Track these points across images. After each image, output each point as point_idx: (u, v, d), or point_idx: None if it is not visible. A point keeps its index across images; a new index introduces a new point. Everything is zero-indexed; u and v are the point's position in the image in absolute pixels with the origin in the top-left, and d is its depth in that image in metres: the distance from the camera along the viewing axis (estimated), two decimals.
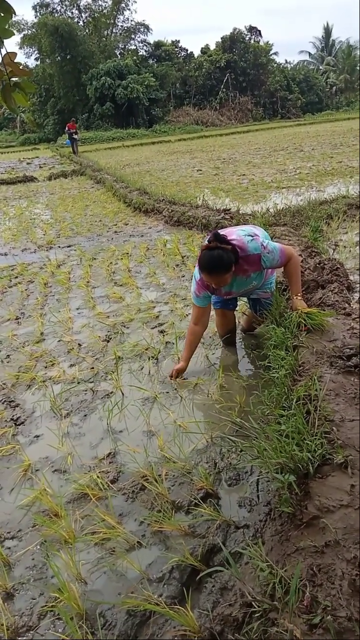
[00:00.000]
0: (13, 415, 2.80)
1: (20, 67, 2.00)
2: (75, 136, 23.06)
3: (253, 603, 1.38)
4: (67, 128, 22.88)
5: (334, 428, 1.86)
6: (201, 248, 2.67)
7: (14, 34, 1.98)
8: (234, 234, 2.75)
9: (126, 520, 1.96)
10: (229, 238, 2.68)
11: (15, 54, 2.02)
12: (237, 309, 3.35)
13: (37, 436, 2.61)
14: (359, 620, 1.20)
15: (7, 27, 1.86)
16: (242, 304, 3.71)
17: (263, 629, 1.30)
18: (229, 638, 1.39)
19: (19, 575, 1.78)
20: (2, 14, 1.77)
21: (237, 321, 3.45)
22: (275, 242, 3.05)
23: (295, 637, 1.19)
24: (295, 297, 2.91)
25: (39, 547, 1.88)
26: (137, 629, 1.51)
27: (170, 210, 7.74)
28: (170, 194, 8.81)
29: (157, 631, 1.49)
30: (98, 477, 2.16)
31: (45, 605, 1.63)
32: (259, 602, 1.37)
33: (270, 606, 1.33)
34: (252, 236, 2.73)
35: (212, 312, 3.22)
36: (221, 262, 2.58)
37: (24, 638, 1.55)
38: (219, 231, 2.71)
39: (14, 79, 2.00)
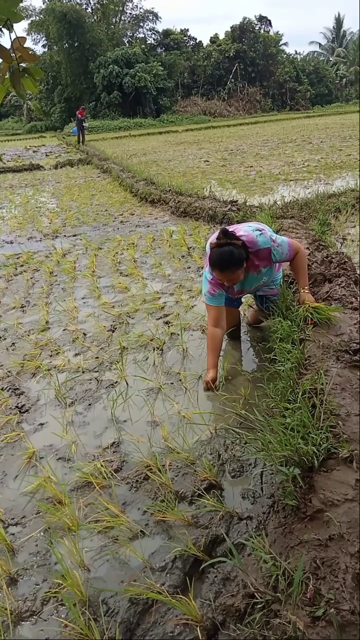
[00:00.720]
0: (18, 403, 2.81)
1: (30, 53, 1.98)
2: (84, 124, 22.82)
3: (255, 594, 1.39)
4: (77, 115, 22.52)
5: (339, 422, 1.86)
6: (210, 246, 2.62)
7: (23, 18, 1.96)
8: (242, 230, 2.71)
9: (129, 509, 1.97)
10: (237, 233, 2.65)
11: (24, 39, 2.00)
12: (241, 305, 3.34)
13: (41, 424, 2.62)
14: None
15: (16, 10, 1.83)
16: (248, 297, 3.70)
17: (265, 620, 1.30)
18: (231, 628, 1.39)
19: (22, 561, 1.79)
20: None
21: (243, 315, 3.44)
22: (282, 235, 3.03)
23: (298, 628, 1.19)
24: (302, 291, 2.90)
25: (42, 533, 1.90)
26: (140, 617, 1.52)
27: (176, 201, 7.70)
28: (176, 185, 8.76)
29: (159, 619, 1.50)
30: (102, 465, 2.17)
31: (49, 591, 1.65)
32: (262, 594, 1.37)
33: (273, 598, 1.34)
34: (260, 231, 2.70)
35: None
36: (233, 258, 2.53)
37: (28, 622, 1.56)
38: (226, 227, 2.68)
39: (22, 64, 1.98)
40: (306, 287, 2.92)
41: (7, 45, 1.88)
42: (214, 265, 2.60)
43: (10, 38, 1.89)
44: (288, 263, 2.97)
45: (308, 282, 3.00)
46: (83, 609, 1.53)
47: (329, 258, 3.70)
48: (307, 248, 4.16)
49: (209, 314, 2.92)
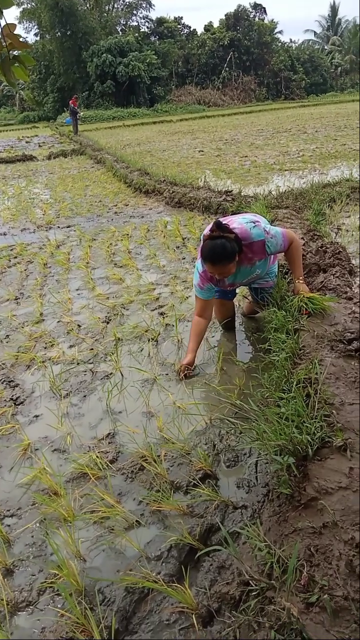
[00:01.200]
0: (12, 395, 2.80)
1: (20, 40, 1.95)
2: (79, 114, 22.52)
3: (250, 582, 1.40)
4: (70, 105, 22.18)
5: (333, 411, 1.86)
6: (203, 238, 2.60)
7: (13, 4, 1.92)
8: (235, 222, 2.69)
9: (125, 499, 1.97)
10: (231, 225, 2.63)
11: (14, 25, 1.96)
12: (235, 297, 3.33)
13: (36, 416, 2.62)
14: (355, 600, 1.22)
15: None
16: (243, 288, 3.69)
17: (260, 607, 1.32)
18: (226, 615, 1.41)
19: (18, 552, 1.80)
20: None
21: (237, 305, 3.43)
22: (276, 226, 3.02)
23: (292, 615, 1.20)
24: (297, 281, 2.89)
25: (38, 524, 1.90)
26: (136, 606, 1.53)
27: (171, 192, 7.66)
28: (171, 175, 8.71)
29: (155, 608, 1.52)
30: (97, 457, 2.17)
31: (45, 582, 1.65)
32: (257, 581, 1.38)
33: (268, 585, 1.35)
34: (254, 223, 2.68)
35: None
36: (225, 252, 2.51)
37: (24, 612, 1.57)
38: (220, 219, 2.67)
39: (13, 52, 1.94)
40: (301, 278, 2.91)
41: None
42: (206, 259, 2.58)
43: (0, 25, 1.86)
44: (283, 253, 2.96)
45: (303, 272, 3.00)
46: (79, 598, 1.54)
47: (324, 248, 3.70)
48: (302, 238, 4.15)
49: (196, 304, 2.97)
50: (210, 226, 2.58)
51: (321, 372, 2.09)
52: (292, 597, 1.27)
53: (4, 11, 1.84)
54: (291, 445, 1.72)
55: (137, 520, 1.84)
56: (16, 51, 1.96)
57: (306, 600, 1.25)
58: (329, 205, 5.85)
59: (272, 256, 2.95)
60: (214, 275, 2.68)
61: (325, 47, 52.91)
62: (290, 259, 2.92)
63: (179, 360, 2.93)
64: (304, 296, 2.73)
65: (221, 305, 3.22)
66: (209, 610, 1.45)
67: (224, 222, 2.60)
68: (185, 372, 2.77)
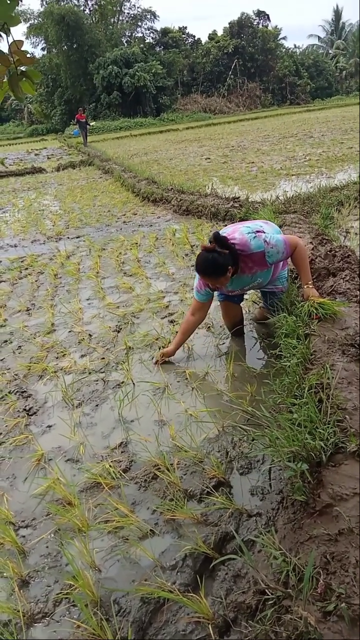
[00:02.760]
0: (25, 406, 2.82)
1: (27, 56, 1.99)
2: (90, 124, 22.69)
3: (266, 590, 1.39)
4: (75, 119, 22.37)
5: (346, 416, 1.85)
6: (201, 247, 2.67)
7: (20, 22, 1.96)
8: (237, 231, 2.74)
9: (139, 508, 1.97)
10: (231, 236, 2.68)
11: (22, 42, 2.00)
12: (243, 302, 3.33)
13: (49, 426, 2.63)
14: None
15: (13, 14, 1.84)
16: (253, 293, 3.69)
17: (277, 616, 1.30)
18: (242, 625, 1.39)
19: (33, 563, 1.80)
20: (9, 1, 1.75)
21: (247, 311, 3.43)
22: (285, 231, 3.02)
23: (310, 624, 1.19)
24: (306, 286, 2.88)
25: (53, 535, 1.91)
26: (151, 616, 1.52)
27: (178, 199, 7.69)
28: (178, 183, 8.75)
29: (171, 618, 1.51)
30: (110, 466, 2.17)
31: (60, 593, 1.65)
32: (273, 590, 1.37)
33: (284, 594, 1.34)
34: (255, 233, 2.71)
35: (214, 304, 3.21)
36: (215, 266, 2.59)
37: (40, 624, 1.57)
38: (223, 230, 2.73)
39: (20, 67, 1.98)
40: (309, 283, 2.90)
41: (5, 49, 1.89)
42: (197, 270, 2.70)
43: (8, 42, 1.90)
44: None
45: (311, 276, 2.98)
46: (95, 609, 1.54)
47: (333, 252, 3.68)
48: (311, 242, 4.14)
49: (191, 304, 3.07)
50: (210, 237, 2.64)
51: (333, 377, 2.08)
52: (309, 606, 1.26)
53: (12, 28, 1.88)
54: (304, 452, 1.71)
55: (151, 530, 1.84)
56: (23, 67, 2.00)
57: (323, 609, 1.24)
58: (337, 208, 5.83)
59: (281, 262, 2.95)
60: (208, 284, 2.77)
61: (330, 51, 52.97)
62: (296, 264, 2.92)
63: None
64: (314, 302, 2.72)
65: (227, 309, 3.23)
66: (226, 620, 1.43)
67: (227, 232, 2.68)
68: (162, 360, 3.02)
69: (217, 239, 2.59)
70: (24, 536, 1.93)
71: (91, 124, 22.10)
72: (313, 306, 2.70)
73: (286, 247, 2.77)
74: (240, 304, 3.31)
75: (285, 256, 2.81)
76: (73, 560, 1.63)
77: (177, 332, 3.11)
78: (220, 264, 2.58)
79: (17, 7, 1.88)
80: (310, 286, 2.88)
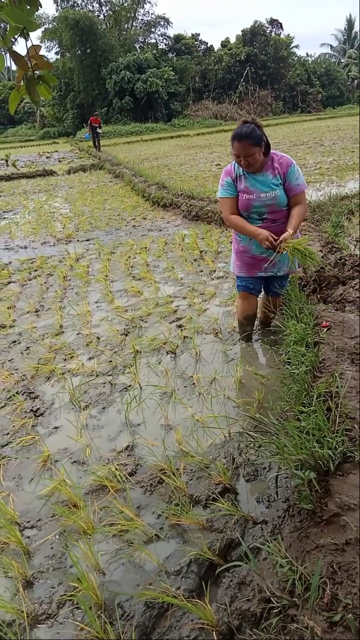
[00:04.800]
0: (33, 407, 2.83)
1: (44, 60, 2.01)
2: (98, 130, 22.71)
3: (272, 599, 1.38)
4: (90, 122, 22.34)
5: (355, 426, 1.84)
6: (240, 122, 2.81)
7: (39, 26, 1.99)
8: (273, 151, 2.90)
9: (144, 512, 1.97)
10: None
11: (40, 47, 2.03)
12: (259, 296, 3.32)
13: (56, 427, 2.64)
14: None
15: (32, 19, 1.86)
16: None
17: (282, 625, 1.29)
18: (247, 632, 1.39)
19: (38, 564, 1.81)
20: (29, 7, 1.78)
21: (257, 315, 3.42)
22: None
23: (316, 634, 1.18)
24: (288, 230, 2.88)
25: (58, 536, 1.91)
26: (155, 621, 1.52)
27: (188, 205, 7.72)
28: (188, 189, 8.78)
29: (175, 623, 1.50)
30: (116, 469, 2.18)
31: (65, 594, 1.65)
32: (278, 598, 1.36)
33: (290, 602, 1.33)
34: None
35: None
36: (252, 133, 2.70)
37: (44, 625, 1.57)
38: None
39: (37, 72, 2.01)
40: (292, 230, 2.89)
41: (23, 53, 1.92)
42: (234, 137, 2.75)
43: (26, 46, 1.92)
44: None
45: (297, 230, 3.01)
46: (99, 612, 1.54)
47: (343, 260, 3.68)
48: (320, 250, 4.14)
49: (223, 207, 3.06)
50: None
51: (342, 386, 2.07)
52: (315, 616, 1.25)
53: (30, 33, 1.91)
54: (312, 460, 1.70)
55: (156, 534, 1.84)
56: (40, 71, 2.03)
57: (330, 619, 1.23)
58: (347, 217, 5.83)
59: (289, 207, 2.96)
60: (239, 160, 2.78)
61: (342, 60, 53.03)
62: (293, 215, 2.94)
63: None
64: (288, 242, 2.78)
65: (244, 299, 3.23)
66: (230, 628, 1.43)
67: None
68: (274, 239, 2.84)
69: (254, 121, 2.77)
70: (29, 537, 1.93)
71: (98, 131, 22.10)
72: (288, 247, 2.76)
73: (303, 186, 2.92)
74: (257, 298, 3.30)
75: (297, 191, 2.90)
76: (78, 562, 1.63)
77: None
78: (258, 133, 2.72)
79: (35, 12, 1.90)
80: (291, 231, 2.87)
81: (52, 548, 1.87)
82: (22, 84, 2.01)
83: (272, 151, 2.86)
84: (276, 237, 2.85)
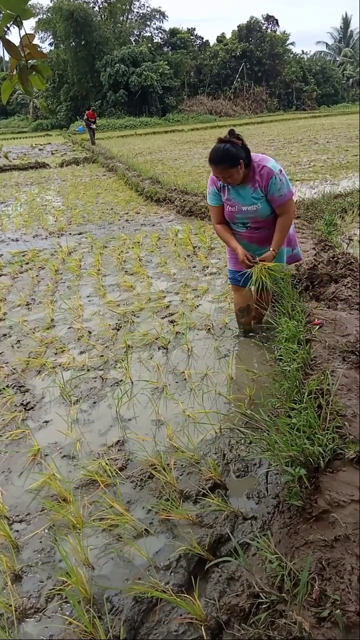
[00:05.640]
0: (23, 400, 2.81)
1: (38, 50, 1.98)
2: (92, 125, 22.40)
3: (260, 594, 1.39)
4: (85, 116, 21.98)
5: (345, 423, 1.85)
6: (217, 140, 2.71)
7: (33, 15, 1.96)
8: (261, 155, 2.81)
9: (134, 507, 1.97)
10: (254, 154, 2.74)
11: (33, 36, 1.99)
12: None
13: (46, 421, 2.62)
14: None
15: (26, 7, 1.83)
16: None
17: (270, 620, 1.30)
18: (235, 627, 1.39)
19: (27, 558, 1.80)
20: None
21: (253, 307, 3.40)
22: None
23: (304, 629, 1.19)
24: (270, 250, 2.90)
25: (47, 531, 1.90)
26: (144, 615, 1.52)
27: (182, 200, 7.69)
28: (182, 184, 8.75)
29: (163, 618, 1.50)
30: (107, 464, 2.17)
31: (53, 589, 1.65)
32: (267, 594, 1.37)
33: (278, 598, 1.34)
34: (279, 165, 2.80)
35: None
36: (227, 154, 2.59)
37: (32, 619, 1.56)
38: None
39: (31, 61, 1.98)
40: (275, 249, 2.90)
41: (16, 42, 1.88)
42: (210, 160, 2.67)
43: (20, 35, 1.89)
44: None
45: (280, 246, 2.96)
46: (87, 606, 1.54)
47: (335, 258, 3.69)
48: (313, 248, 4.15)
49: (211, 214, 3.09)
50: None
51: (333, 383, 2.08)
52: (303, 611, 1.26)
53: (23, 21, 1.88)
54: (302, 457, 1.71)
55: (146, 529, 1.84)
56: (34, 61, 2.00)
57: (318, 615, 1.24)
58: (340, 215, 5.84)
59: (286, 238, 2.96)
60: (219, 179, 2.75)
61: (337, 59, 53.07)
62: (278, 228, 2.90)
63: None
64: (263, 265, 2.81)
65: (235, 292, 3.26)
66: (218, 622, 1.43)
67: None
68: (250, 260, 2.88)
69: (232, 134, 2.67)
70: (17, 531, 1.92)
71: (93, 126, 21.76)
72: (262, 272, 2.79)
73: (287, 196, 2.79)
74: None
75: (281, 201, 2.80)
76: (67, 556, 1.62)
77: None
78: (233, 154, 2.60)
79: (29, 1, 1.87)
80: (273, 252, 2.89)
81: (41, 542, 1.86)
82: (14, 73, 1.99)
83: (254, 160, 2.73)
84: (252, 257, 2.88)
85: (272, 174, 2.73)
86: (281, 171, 2.78)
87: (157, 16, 44.68)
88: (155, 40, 44.32)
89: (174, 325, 3.59)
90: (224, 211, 2.97)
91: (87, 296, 4.42)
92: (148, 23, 45.18)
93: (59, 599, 1.62)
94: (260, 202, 2.82)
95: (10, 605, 1.57)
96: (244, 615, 1.41)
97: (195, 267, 4.91)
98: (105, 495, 1.98)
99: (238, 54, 43.46)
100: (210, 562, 1.62)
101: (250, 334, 3.34)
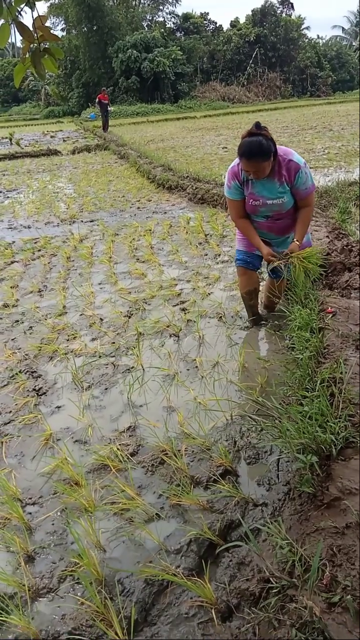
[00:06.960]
0: (35, 386, 2.84)
1: (50, 32, 1.96)
2: (110, 108, 21.68)
3: (271, 579, 1.39)
4: (98, 99, 21.53)
5: (358, 411, 1.84)
6: (242, 136, 2.68)
7: None
8: (282, 148, 2.78)
9: (145, 492, 1.98)
10: (278, 146, 2.72)
11: (46, 18, 1.98)
12: (259, 270, 3.29)
13: (58, 407, 2.65)
14: None
15: None
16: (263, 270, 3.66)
17: (281, 605, 1.31)
18: (245, 611, 1.40)
19: (39, 540, 1.82)
20: None
21: (260, 290, 3.37)
22: None
23: (314, 614, 1.19)
24: (295, 241, 2.90)
25: (59, 513, 1.92)
26: (155, 598, 1.53)
27: (194, 188, 7.64)
28: (194, 171, 8.67)
29: (174, 600, 1.52)
30: (118, 449, 2.19)
31: (65, 570, 1.67)
32: (277, 579, 1.38)
33: (289, 583, 1.34)
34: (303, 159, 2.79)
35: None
36: (261, 148, 2.58)
37: (45, 599, 1.59)
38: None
39: (43, 44, 1.96)
40: (299, 241, 2.90)
41: (29, 25, 1.87)
42: (242, 154, 2.63)
43: (32, 17, 1.87)
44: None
45: (303, 237, 2.97)
46: (99, 587, 1.56)
47: (350, 247, 3.65)
48: (327, 236, 4.10)
49: (230, 209, 3.06)
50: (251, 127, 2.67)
51: (346, 372, 2.06)
52: (314, 596, 1.26)
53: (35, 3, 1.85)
54: (314, 444, 1.71)
55: (157, 514, 1.85)
56: (46, 43, 1.98)
57: (328, 600, 1.24)
58: (354, 203, 5.76)
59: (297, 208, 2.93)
60: (248, 173, 2.71)
61: (354, 44, 51.92)
62: (300, 220, 2.91)
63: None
64: (295, 255, 2.80)
65: (243, 274, 3.22)
66: (228, 606, 1.44)
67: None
68: (275, 256, 2.87)
69: (258, 126, 2.63)
70: (30, 513, 1.95)
71: (110, 108, 21.12)
72: (297, 259, 2.79)
73: (311, 189, 2.82)
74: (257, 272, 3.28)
75: (306, 194, 2.83)
76: (79, 539, 1.64)
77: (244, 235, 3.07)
78: (267, 147, 2.59)
79: None
80: (298, 243, 2.88)
81: (53, 524, 1.88)
82: (27, 56, 1.97)
83: (279, 152, 2.72)
84: (278, 254, 2.86)
85: (298, 168, 2.73)
86: (305, 164, 2.77)
87: (170, 1, 44.10)
88: (167, 26, 43.74)
89: (185, 313, 3.58)
90: (244, 205, 2.93)
91: (99, 283, 4.43)
92: (161, 8, 44.62)
93: (71, 579, 1.64)
94: (286, 195, 2.81)
95: (24, 585, 1.60)
96: (254, 599, 1.42)
97: (207, 255, 4.88)
98: (117, 480, 2.00)
99: (252, 39, 42.69)
100: (221, 547, 1.63)
101: (262, 322, 3.32)
